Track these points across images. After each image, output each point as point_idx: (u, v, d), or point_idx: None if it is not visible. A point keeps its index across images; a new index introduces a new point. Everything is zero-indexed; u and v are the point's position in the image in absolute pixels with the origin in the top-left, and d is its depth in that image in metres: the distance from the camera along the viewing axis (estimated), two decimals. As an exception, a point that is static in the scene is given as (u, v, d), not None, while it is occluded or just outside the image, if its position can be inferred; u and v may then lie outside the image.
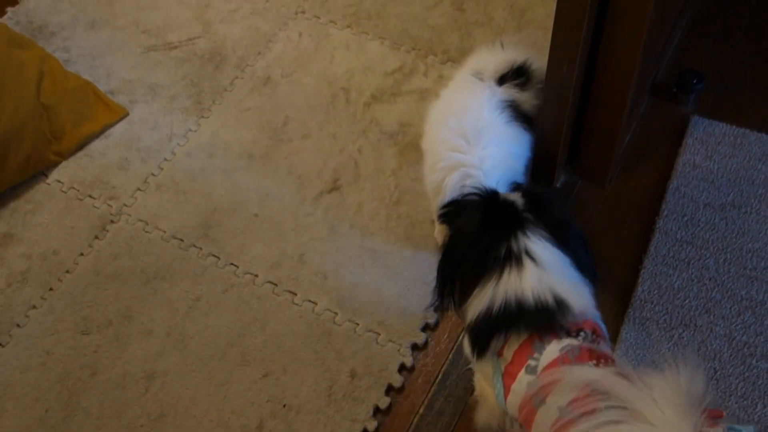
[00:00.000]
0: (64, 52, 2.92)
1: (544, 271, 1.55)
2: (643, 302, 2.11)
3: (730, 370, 1.97)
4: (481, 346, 1.60)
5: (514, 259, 1.56)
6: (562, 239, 1.60)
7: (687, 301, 2.11)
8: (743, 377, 1.97)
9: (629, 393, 1.29)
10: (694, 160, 2.39)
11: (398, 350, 2.14)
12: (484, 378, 1.71)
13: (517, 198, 1.67)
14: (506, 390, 1.56)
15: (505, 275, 1.56)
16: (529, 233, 1.58)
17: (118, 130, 2.70)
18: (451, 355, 2.12)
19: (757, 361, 1.99)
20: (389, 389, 2.08)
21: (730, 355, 2.00)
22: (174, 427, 2.05)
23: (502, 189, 1.86)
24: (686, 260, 2.19)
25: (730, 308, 2.09)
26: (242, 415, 2.06)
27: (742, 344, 2.02)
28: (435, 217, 2.19)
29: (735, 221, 2.26)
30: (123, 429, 2.06)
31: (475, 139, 2.02)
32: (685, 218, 2.28)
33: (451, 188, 2.00)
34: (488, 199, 1.70)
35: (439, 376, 2.09)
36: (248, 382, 2.11)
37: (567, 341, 1.51)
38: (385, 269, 2.30)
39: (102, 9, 3.07)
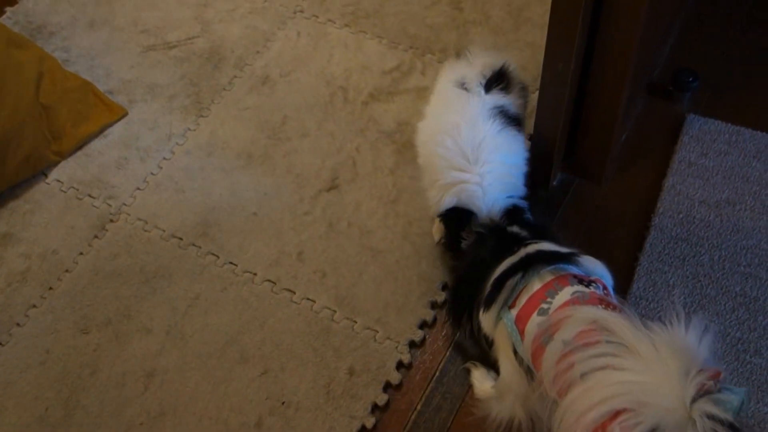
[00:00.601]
0: (63, 52, 2.92)
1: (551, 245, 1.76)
2: (638, 299, 2.11)
3: (725, 366, 1.97)
4: (494, 293, 1.71)
5: (529, 244, 1.76)
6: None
7: (682, 298, 2.11)
8: (737, 373, 1.97)
9: (631, 333, 1.34)
10: (689, 157, 2.39)
11: (396, 348, 2.14)
12: (503, 350, 1.74)
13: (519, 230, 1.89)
14: (521, 335, 1.61)
15: (520, 251, 1.74)
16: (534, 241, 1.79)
17: (117, 130, 2.70)
18: (448, 353, 2.12)
19: (750, 357, 2.00)
20: (387, 386, 2.08)
21: (725, 351, 2.00)
22: (173, 424, 2.05)
23: (502, 203, 2.02)
24: (681, 257, 2.19)
25: (725, 305, 2.09)
26: (241, 413, 2.06)
27: (736, 340, 2.02)
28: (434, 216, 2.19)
29: (730, 218, 2.26)
30: (123, 427, 2.06)
31: (474, 157, 2.02)
32: (681, 215, 2.28)
33: (453, 199, 2.04)
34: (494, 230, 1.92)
35: (437, 374, 2.09)
36: (247, 379, 2.11)
37: (578, 287, 1.58)
38: (383, 267, 2.30)
39: (101, 9, 3.07)
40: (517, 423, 1.79)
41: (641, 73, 2.41)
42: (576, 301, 1.55)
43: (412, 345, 2.14)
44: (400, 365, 2.11)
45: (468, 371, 2.06)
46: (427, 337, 2.16)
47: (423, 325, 2.18)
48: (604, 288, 1.65)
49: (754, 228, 2.24)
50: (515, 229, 1.90)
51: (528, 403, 1.72)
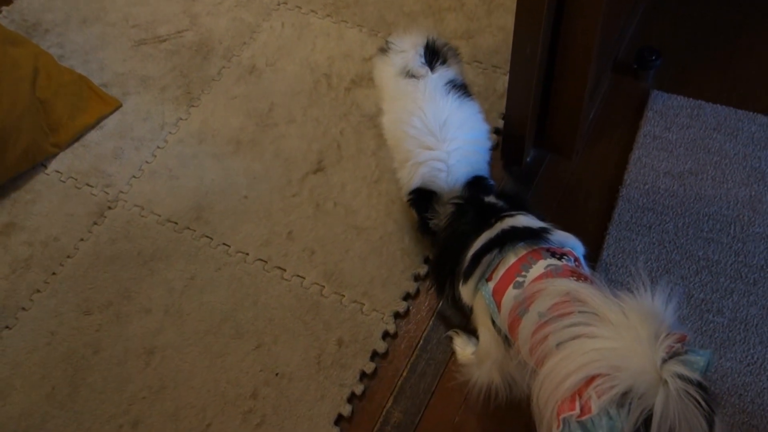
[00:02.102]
0: (58, 48, 2.93)
1: (532, 219, 1.79)
2: (608, 265, 2.15)
3: (689, 326, 2.01)
4: (472, 267, 1.73)
5: (506, 217, 1.79)
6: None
7: (648, 264, 2.15)
8: (701, 331, 2.01)
9: (602, 302, 1.37)
10: (654, 131, 2.43)
11: (382, 319, 2.17)
12: (481, 319, 1.77)
13: (497, 201, 1.91)
14: (498, 307, 1.64)
15: (499, 223, 1.77)
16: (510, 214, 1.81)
17: (112, 121, 2.72)
18: (431, 322, 2.16)
19: (713, 316, 2.04)
20: (374, 355, 2.11)
21: (689, 312, 2.04)
22: (174, 398, 2.09)
23: (466, 177, 2.07)
24: (648, 225, 2.23)
25: (689, 268, 2.13)
26: (237, 385, 2.09)
27: (700, 301, 2.07)
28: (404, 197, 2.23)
29: (692, 187, 2.30)
30: (126, 402, 2.09)
31: (442, 134, 2.05)
32: (647, 186, 2.31)
33: (418, 179, 2.07)
34: (472, 202, 1.95)
35: (421, 342, 2.13)
36: (242, 353, 2.15)
37: (551, 261, 1.61)
38: (368, 243, 2.33)
39: (93, 5, 3.07)
40: (495, 387, 1.82)
41: (606, 52, 2.44)
42: (549, 274, 1.57)
43: (397, 316, 2.18)
44: (386, 335, 2.15)
45: (450, 339, 2.10)
46: (411, 307, 2.20)
47: (407, 297, 2.21)
48: (576, 260, 1.67)
49: (715, 196, 2.27)
50: (492, 199, 1.92)
51: (504, 368, 1.75)
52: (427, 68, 2.14)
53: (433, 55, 2.17)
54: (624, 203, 2.28)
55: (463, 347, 2.06)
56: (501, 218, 1.78)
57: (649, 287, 1.36)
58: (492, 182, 2.14)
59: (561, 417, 1.32)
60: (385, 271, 2.26)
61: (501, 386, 1.79)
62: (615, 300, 1.36)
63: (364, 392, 2.06)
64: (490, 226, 1.77)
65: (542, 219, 1.82)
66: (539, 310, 1.45)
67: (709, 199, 2.27)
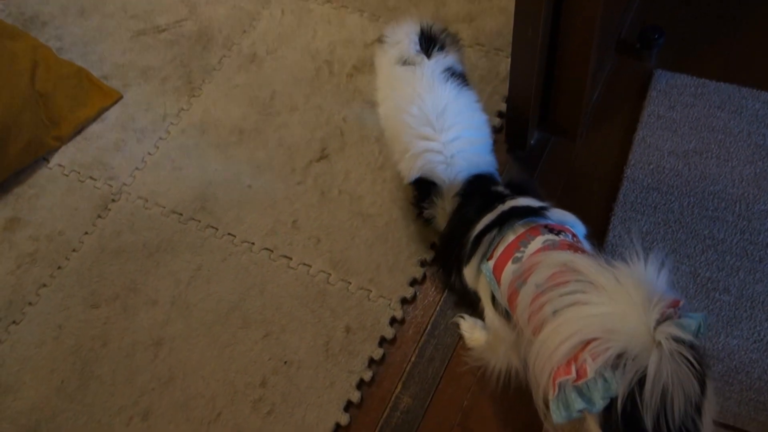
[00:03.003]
0: (57, 40, 2.95)
1: (527, 200, 1.83)
2: (614, 246, 2.17)
3: (696, 305, 2.04)
4: (474, 248, 1.78)
5: (507, 198, 1.85)
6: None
7: (654, 243, 2.17)
8: (708, 310, 2.04)
9: (596, 271, 1.41)
10: (658, 111, 2.44)
11: (389, 305, 2.20)
12: (485, 298, 1.81)
13: (503, 189, 1.96)
14: (499, 284, 1.68)
15: (500, 205, 1.81)
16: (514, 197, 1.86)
17: (113, 113, 2.74)
18: (438, 307, 2.19)
19: (719, 294, 2.06)
20: (382, 341, 2.14)
21: (696, 291, 2.07)
22: (183, 388, 2.12)
23: (468, 169, 2.07)
24: (653, 205, 2.25)
25: (695, 247, 2.16)
26: (246, 374, 2.12)
27: (706, 279, 2.09)
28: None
29: (697, 166, 2.31)
30: (135, 393, 2.12)
31: (440, 124, 2.06)
32: (651, 166, 2.33)
33: (416, 171, 2.09)
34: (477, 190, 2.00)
35: (428, 327, 2.16)
36: (250, 342, 2.18)
37: (549, 236, 1.66)
38: (373, 230, 2.35)
39: (90, -3, 3.10)
40: (514, 370, 1.84)
41: (609, 33, 2.45)
42: (547, 248, 1.62)
43: (404, 301, 2.21)
44: (393, 321, 2.18)
45: (457, 325, 2.13)
46: (417, 293, 2.23)
47: (414, 283, 2.24)
48: (573, 236, 1.72)
49: (720, 174, 2.29)
50: (499, 188, 1.96)
51: (519, 349, 1.77)
52: (423, 55, 2.14)
53: (429, 42, 2.17)
54: (629, 184, 2.30)
55: (470, 331, 2.08)
56: (503, 201, 1.83)
57: (642, 256, 1.41)
58: (497, 176, 2.15)
59: (557, 382, 1.37)
60: (392, 258, 2.29)
61: (520, 367, 1.82)
62: (609, 268, 1.40)
63: (372, 378, 2.09)
64: (492, 209, 1.82)
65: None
66: (536, 281, 1.49)
67: (714, 177, 2.29)
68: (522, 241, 1.67)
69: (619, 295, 1.36)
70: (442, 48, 2.17)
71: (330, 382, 2.09)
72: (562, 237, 1.66)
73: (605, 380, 1.32)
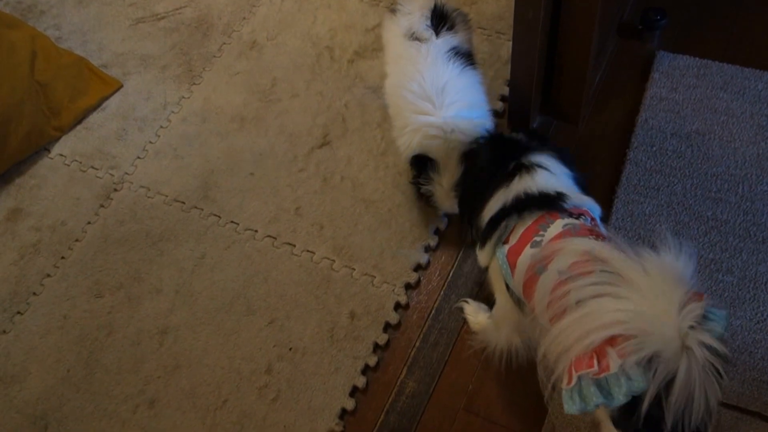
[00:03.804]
0: (55, 29, 2.97)
1: (549, 174, 1.77)
2: (617, 229, 2.19)
3: (699, 286, 2.03)
4: (489, 232, 1.77)
5: (523, 168, 1.78)
6: (561, 158, 1.84)
7: (658, 225, 2.19)
8: (711, 291, 2.05)
9: (623, 261, 1.39)
10: (660, 93, 2.46)
11: (393, 290, 2.22)
12: (497, 284, 1.81)
13: (520, 136, 1.92)
14: (512, 267, 1.67)
15: (516, 180, 1.76)
16: (536, 152, 1.82)
17: (113, 102, 2.76)
18: (442, 292, 2.21)
19: (723, 276, 2.08)
20: (387, 326, 2.17)
21: (699, 272, 2.06)
22: (189, 376, 2.14)
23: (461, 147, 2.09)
24: (656, 187, 2.26)
25: (698, 229, 2.17)
26: (252, 361, 2.15)
27: (710, 261, 2.11)
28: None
29: (700, 148, 2.33)
30: (141, 382, 2.15)
31: (439, 100, 2.09)
32: (654, 148, 2.35)
33: (415, 147, 2.11)
34: (495, 138, 2.00)
35: (432, 312, 2.18)
36: (255, 329, 2.20)
37: (569, 220, 1.64)
38: (376, 216, 2.37)
39: (88, -14, 3.11)
40: (515, 350, 1.87)
41: (610, 15, 2.46)
42: (568, 233, 1.60)
43: (408, 287, 2.23)
44: (397, 306, 2.20)
45: (461, 309, 2.16)
46: (421, 278, 2.25)
47: (417, 268, 2.26)
48: (592, 219, 1.69)
49: (722, 156, 2.31)
50: (515, 135, 1.95)
51: (523, 330, 1.80)
52: (432, 32, 2.17)
53: (441, 20, 2.19)
54: (632, 166, 2.32)
55: (474, 315, 2.11)
56: (519, 168, 1.79)
57: (672, 247, 1.38)
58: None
59: (577, 373, 1.36)
60: (395, 243, 2.31)
61: (521, 347, 1.84)
62: (636, 259, 1.38)
63: (377, 364, 2.11)
64: (506, 177, 1.78)
65: (567, 158, 1.86)
66: (559, 268, 1.47)
67: (717, 159, 2.31)
68: (541, 225, 1.65)
69: (650, 291, 1.34)
70: (451, 27, 2.20)
71: (335, 368, 2.11)
72: (581, 221, 1.65)
73: (629, 378, 1.31)
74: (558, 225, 1.63)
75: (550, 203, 1.71)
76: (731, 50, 2.55)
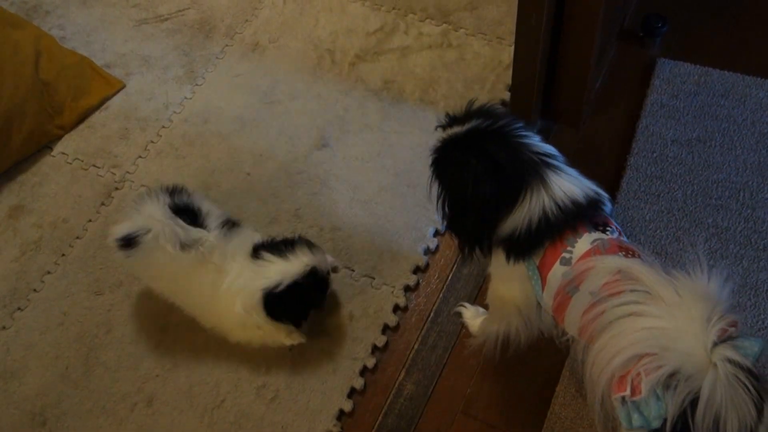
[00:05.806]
0: (59, 29, 2.96)
1: (570, 179, 1.62)
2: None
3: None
4: (523, 252, 1.62)
5: (539, 177, 1.59)
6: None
7: (658, 232, 2.18)
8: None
9: (655, 281, 1.36)
10: (661, 99, 2.45)
11: (392, 292, 2.21)
12: (501, 281, 1.75)
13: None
14: (543, 282, 1.61)
15: (536, 192, 1.57)
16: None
17: (116, 102, 2.76)
18: (441, 294, 2.20)
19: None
20: (385, 328, 2.16)
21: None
22: (187, 375, 2.13)
23: None
24: (656, 194, 2.25)
25: (698, 236, 2.16)
26: (250, 361, 2.13)
27: (710, 269, 2.09)
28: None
29: (700, 155, 2.32)
30: (140, 380, 2.14)
31: None
32: (654, 155, 2.34)
33: None
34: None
35: (431, 314, 2.17)
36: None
37: (596, 235, 1.57)
38: (375, 218, 2.36)
39: (93, -14, 3.11)
40: (515, 331, 1.78)
41: (612, 21, 2.46)
42: (597, 250, 1.53)
43: (407, 289, 2.22)
44: (396, 308, 2.19)
45: (459, 314, 2.15)
46: (420, 281, 2.24)
47: (416, 270, 2.25)
48: (618, 231, 1.62)
49: (723, 163, 2.30)
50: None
51: (524, 310, 1.74)
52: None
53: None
54: (632, 172, 2.31)
55: (473, 319, 2.10)
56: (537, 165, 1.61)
57: (706, 268, 1.35)
58: None
59: (617, 396, 1.33)
60: (394, 245, 2.30)
61: (519, 329, 1.77)
62: (668, 278, 1.35)
63: (376, 365, 2.10)
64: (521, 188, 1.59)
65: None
66: (590, 290, 1.44)
67: (718, 166, 2.30)
68: (569, 239, 1.57)
69: (678, 308, 1.32)
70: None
71: (333, 369, 2.10)
72: (608, 234, 1.58)
73: (658, 398, 1.28)
74: (585, 240, 1.56)
75: (587, 214, 1.60)
76: (732, 58, 2.55)
